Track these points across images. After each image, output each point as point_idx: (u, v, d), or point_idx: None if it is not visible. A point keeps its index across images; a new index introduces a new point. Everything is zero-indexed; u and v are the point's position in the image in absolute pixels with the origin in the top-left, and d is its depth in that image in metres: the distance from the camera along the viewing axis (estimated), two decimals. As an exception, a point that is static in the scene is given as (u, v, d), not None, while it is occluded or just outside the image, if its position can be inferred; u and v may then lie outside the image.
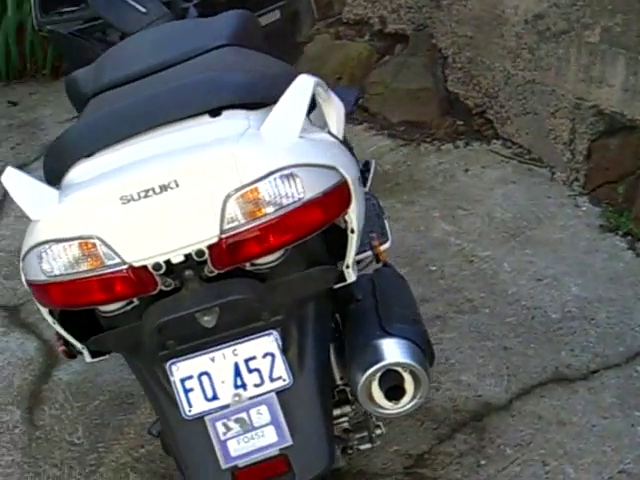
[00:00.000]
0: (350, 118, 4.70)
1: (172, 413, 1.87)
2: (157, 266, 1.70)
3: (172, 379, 1.84)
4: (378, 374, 1.82)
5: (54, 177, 1.86)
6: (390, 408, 1.84)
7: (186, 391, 1.84)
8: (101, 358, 1.96)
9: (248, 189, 1.67)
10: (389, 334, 1.85)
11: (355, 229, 1.83)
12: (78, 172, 1.82)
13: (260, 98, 1.85)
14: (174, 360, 1.84)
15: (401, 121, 4.54)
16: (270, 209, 1.69)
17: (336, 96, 2.05)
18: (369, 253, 2.01)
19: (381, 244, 2.20)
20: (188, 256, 1.71)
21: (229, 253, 1.70)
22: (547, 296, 3.14)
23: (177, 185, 1.64)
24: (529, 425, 2.58)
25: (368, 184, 3.14)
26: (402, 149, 4.33)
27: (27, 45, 5.65)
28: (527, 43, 3.96)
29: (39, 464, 2.58)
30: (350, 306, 2.09)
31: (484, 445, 2.53)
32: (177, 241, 1.69)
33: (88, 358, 1.95)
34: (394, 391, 1.83)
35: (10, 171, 1.79)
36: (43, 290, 1.76)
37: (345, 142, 2.08)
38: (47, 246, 1.70)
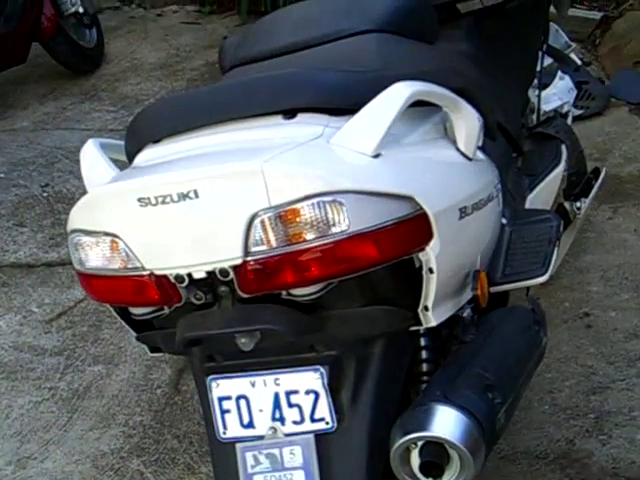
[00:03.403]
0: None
1: (210, 428, 1.72)
2: (179, 278, 1.54)
3: (210, 396, 1.69)
4: (420, 443, 1.54)
5: (129, 156, 1.81)
6: (423, 483, 1.55)
7: (223, 412, 1.68)
8: (159, 354, 1.87)
9: (285, 210, 1.46)
10: (448, 400, 1.56)
11: (434, 269, 1.56)
12: (143, 157, 1.75)
13: (348, 104, 1.63)
14: (215, 376, 1.69)
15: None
16: (311, 235, 1.47)
17: (471, 107, 1.75)
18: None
19: (527, 278, 1.93)
20: (213, 273, 1.53)
21: (257, 279, 1.50)
22: None
23: (197, 196, 1.46)
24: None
25: (591, 194, 2.75)
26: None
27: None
28: None
29: (163, 432, 2.53)
30: (451, 346, 1.82)
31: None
32: (198, 256, 1.51)
33: (148, 351, 1.87)
34: (433, 466, 1.55)
35: (89, 144, 1.79)
36: (80, 279, 1.68)
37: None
38: (78, 236, 1.60)
